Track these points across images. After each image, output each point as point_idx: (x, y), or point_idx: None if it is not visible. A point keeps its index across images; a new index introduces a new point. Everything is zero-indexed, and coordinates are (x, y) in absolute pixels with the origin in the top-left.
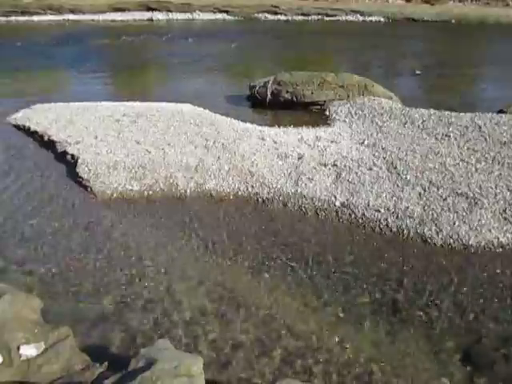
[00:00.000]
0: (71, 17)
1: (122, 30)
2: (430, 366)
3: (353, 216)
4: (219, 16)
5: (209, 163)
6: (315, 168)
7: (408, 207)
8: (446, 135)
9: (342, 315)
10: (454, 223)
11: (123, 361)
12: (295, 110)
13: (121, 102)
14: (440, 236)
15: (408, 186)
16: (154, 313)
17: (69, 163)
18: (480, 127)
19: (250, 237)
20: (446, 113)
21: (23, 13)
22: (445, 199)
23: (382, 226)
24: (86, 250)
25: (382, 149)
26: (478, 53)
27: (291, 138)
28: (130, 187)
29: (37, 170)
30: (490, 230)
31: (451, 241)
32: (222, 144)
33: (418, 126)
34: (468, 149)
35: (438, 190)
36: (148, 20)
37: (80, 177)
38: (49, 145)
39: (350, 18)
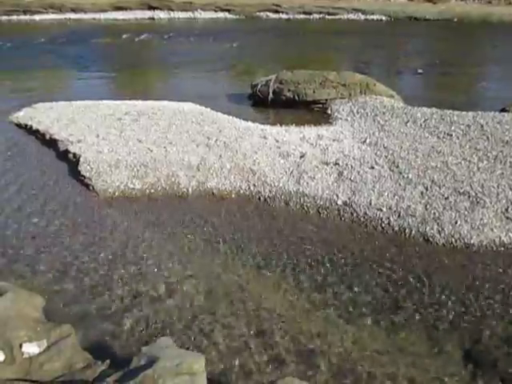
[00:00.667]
0: (73, 16)
1: (123, 29)
2: (432, 365)
3: (355, 215)
4: (221, 15)
5: (210, 162)
6: (317, 167)
7: (410, 206)
8: (448, 134)
9: (343, 313)
10: (456, 222)
11: (125, 359)
12: (297, 109)
13: (122, 100)
14: (442, 235)
15: (410, 185)
16: (156, 310)
17: (71, 162)
18: (482, 126)
19: (252, 235)
20: (448, 111)
21: (25, 12)
22: (447, 198)
23: (383, 225)
24: (87, 248)
25: (384, 147)
26: (481, 51)
27: (293, 136)
28: (132, 186)
29: (39, 169)
30: (492, 229)
31: (453, 240)
32: (224, 142)
33: (420, 125)
34: (470, 148)
35: (439, 188)
36: (149, 19)
37: (82, 175)
38: (51, 143)
39: (351, 16)
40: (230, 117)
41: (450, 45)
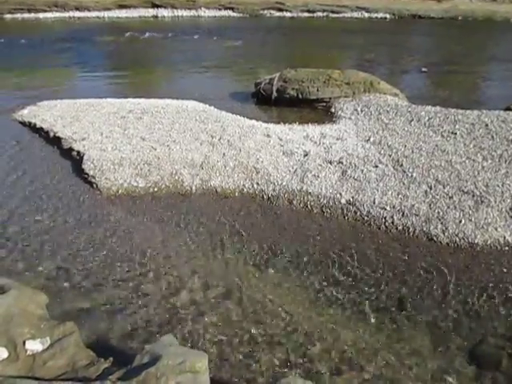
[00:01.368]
0: (76, 14)
1: (126, 27)
2: (436, 365)
3: (358, 214)
4: (224, 13)
5: (214, 160)
6: (321, 165)
7: (414, 205)
8: (452, 133)
9: (346, 312)
10: (460, 221)
11: (128, 356)
12: (301, 107)
13: (126, 98)
14: (446, 234)
15: (414, 184)
16: (160, 308)
17: (74, 160)
18: (487, 125)
19: (255, 233)
20: (453, 110)
21: (29, 10)
22: (451, 197)
23: (387, 224)
24: (90, 245)
25: (388, 146)
26: (485, 50)
27: (297, 135)
28: (136, 184)
29: (42, 167)
30: (496, 229)
31: (457, 239)
32: (228, 141)
33: (424, 124)
34: (474, 146)
35: (444, 187)
36: (153, 17)
37: (85, 173)
38: (54, 141)
39: (355, 14)
40: (234, 115)
41: (454, 43)
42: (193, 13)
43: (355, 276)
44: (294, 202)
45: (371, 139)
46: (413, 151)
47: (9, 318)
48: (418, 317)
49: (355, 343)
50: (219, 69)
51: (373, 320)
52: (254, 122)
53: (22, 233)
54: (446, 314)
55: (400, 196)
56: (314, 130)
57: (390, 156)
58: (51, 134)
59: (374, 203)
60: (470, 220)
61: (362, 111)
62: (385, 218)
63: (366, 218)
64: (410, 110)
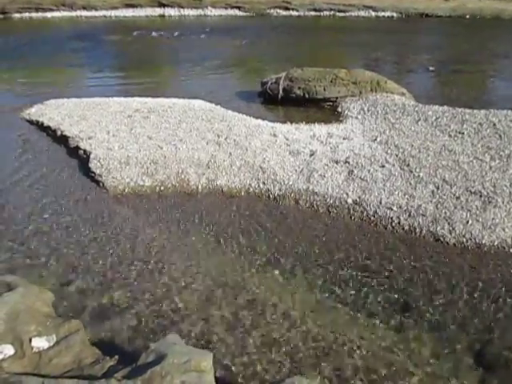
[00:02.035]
0: (84, 13)
1: (133, 26)
2: (442, 366)
3: (365, 213)
4: (231, 12)
5: (220, 159)
6: (327, 165)
7: (420, 205)
8: (459, 132)
9: (352, 312)
10: (467, 222)
11: (133, 355)
12: (307, 107)
13: (133, 97)
14: (453, 235)
15: (421, 184)
16: (165, 307)
17: (81, 158)
18: (494, 124)
19: (261, 233)
20: (460, 110)
21: (37, 9)
22: (458, 197)
23: (394, 224)
24: (96, 244)
25: (395, 146)
26: (493, 49)
27: (303, 134)
28: (142, 182)
29: (49, 165)
30: (503, 229)
31: (464, 240)
32: (234, 140)
33: (432, 123)
34: (482, 146)
35: (451, 188)
36: (160, 16)
37: (92, 172)
38: (61, 140)
39: (362, 13)
40: (240, 114)
41: (461, 42)
42: (199, 12)
43: (361, 276)
44: (300, 202)
45: (378, 139)
46: (420, 151)
47: (15, 316)
48: (425, 317)
49: (361, 344)
50: (225, 68)
51: (379, 320)
52: (260, 121)
53: (28, 231)
54: (452, 315)
55: (407, 196)
56: (320, 129)
57: (396, 156)
58: (58, 133)
59: (381, 203)
60: (478, 220)
61: (368, 111)
62: (391, 218)
63: (372, 218)
64: (417, 109)
